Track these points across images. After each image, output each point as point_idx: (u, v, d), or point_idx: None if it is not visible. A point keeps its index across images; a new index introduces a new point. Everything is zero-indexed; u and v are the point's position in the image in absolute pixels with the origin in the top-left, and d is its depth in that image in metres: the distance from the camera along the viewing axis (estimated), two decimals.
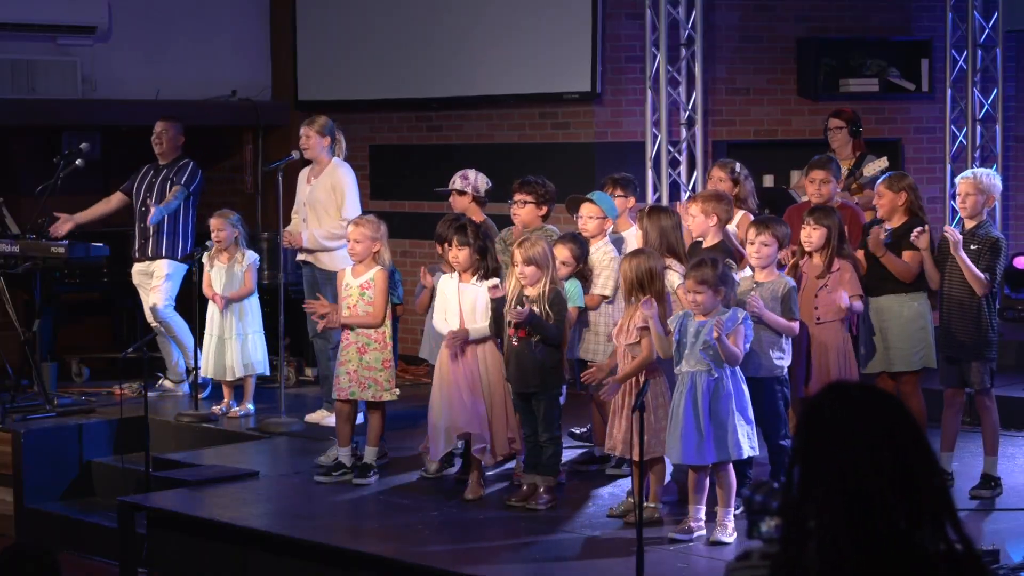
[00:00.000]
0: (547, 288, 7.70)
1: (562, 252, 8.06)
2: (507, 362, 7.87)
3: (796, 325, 7.58)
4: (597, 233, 8.37)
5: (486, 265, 8.05)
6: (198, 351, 10.41)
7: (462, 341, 7.97)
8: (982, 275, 7.78)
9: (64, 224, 10.83)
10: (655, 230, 7.95)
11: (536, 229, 8.54)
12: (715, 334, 6.95)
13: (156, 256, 10.84)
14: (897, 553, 2.47)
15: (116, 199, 11.20)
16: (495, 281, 7.96)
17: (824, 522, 2.49)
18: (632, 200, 8.91)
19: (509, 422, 8.01)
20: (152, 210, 10.66)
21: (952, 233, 7.82)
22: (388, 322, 8.46)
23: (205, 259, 10.40)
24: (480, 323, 7.99)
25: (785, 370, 7.64)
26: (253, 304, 10.41)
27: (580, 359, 8.27)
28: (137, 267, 11.04)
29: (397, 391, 8.53)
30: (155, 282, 10.83)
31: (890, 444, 2.54)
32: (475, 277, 8.03)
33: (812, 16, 11.78)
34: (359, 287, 8.48)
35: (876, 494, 2.49)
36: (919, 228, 8.01)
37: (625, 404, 7.39)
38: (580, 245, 8.21)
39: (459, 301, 8.03)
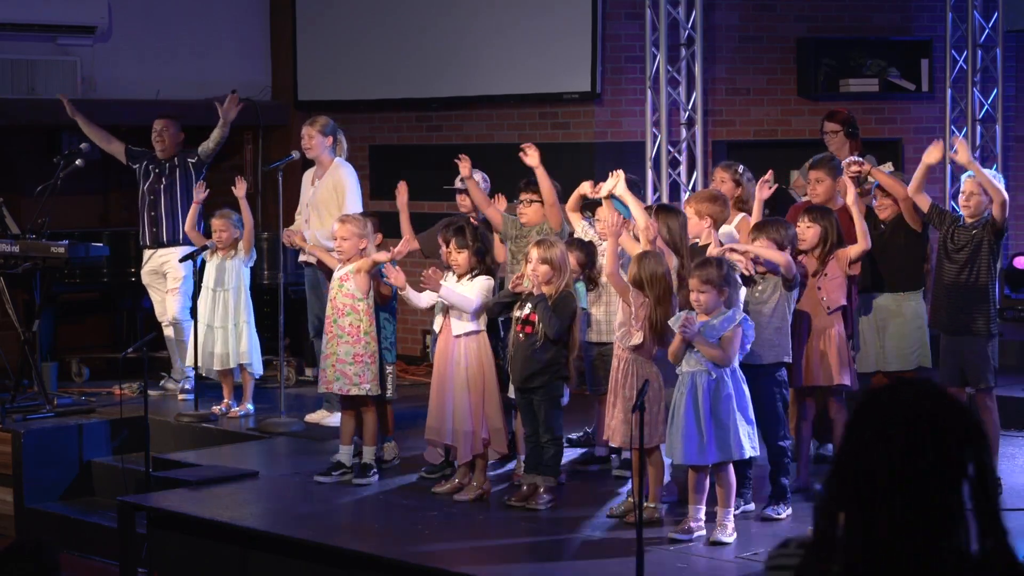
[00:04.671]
0: (559, 288, 7.69)
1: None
2: (511, 354, 7.88)
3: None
4: None
5: (484, 265, 8.06)
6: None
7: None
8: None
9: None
10: (663, 228, 7.93)
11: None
12: (678, 329, 6.95)
13: (172, 242, 10.81)
14: (913, 556, 2.44)
15: (117, 143, 11.16)
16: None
17: (846, 521, 2.46)
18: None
19: (489, 420, 8.01)
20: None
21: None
22: (366, 317, 8.42)
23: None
24: (464, 320, 7.97)
25: (784, 370, 7.63)
26: (245, 297, 10.36)
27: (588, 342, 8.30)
28: (147, 268, 11.04)
29: (367, 387, 8.38)
30: (171, 284, 10.81)
31: (919, 456, 2.43)
32: (470, 276, 8.02)
33: (812, 16, 11.78)
34: (339, 279, 8.51)
35: (885, 502, 2.44)
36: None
37: (619, 395, 7.41)
38: (587, 252, 8.20)
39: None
